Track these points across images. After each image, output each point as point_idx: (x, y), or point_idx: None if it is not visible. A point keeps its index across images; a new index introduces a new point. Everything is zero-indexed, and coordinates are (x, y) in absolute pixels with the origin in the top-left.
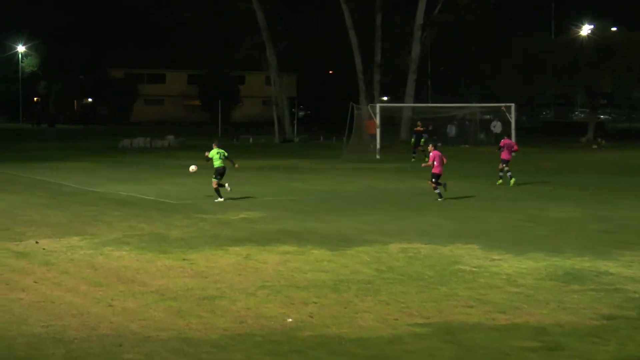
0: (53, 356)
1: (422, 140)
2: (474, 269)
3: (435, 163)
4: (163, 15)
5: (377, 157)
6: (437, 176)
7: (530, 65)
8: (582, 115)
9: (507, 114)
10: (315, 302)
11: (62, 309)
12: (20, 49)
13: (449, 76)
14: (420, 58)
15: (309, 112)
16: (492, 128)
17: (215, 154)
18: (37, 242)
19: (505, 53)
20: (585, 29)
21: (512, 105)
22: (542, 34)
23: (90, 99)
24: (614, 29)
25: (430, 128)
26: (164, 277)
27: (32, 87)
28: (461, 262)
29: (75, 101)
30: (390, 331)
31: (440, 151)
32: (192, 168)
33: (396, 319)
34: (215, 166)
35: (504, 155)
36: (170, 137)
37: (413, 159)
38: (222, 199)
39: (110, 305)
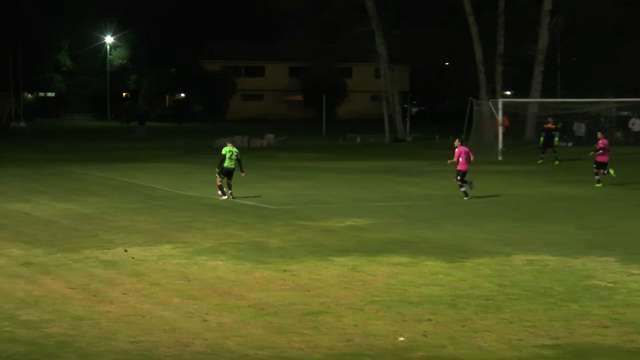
0: None
1: (556, 139)
2: (609, 285)
3: (460, 159)
4: (265, 1)
5: (499, 158)
6: (463, 173)
7: None
8: None
9: None
10: (430, 320)
11: (152, 324)
12: (109, 40)
13: (582, 68)
14: (548, 47)
15: (422, 108)
16: (630, 126)
17: (228, 152)
18: (126, 251)
19: None
20: None
21: None
22: None
23: (183, 94)
24: None
25: (559, 126)
26: (262, 290)
27: (120, 82)
28: (595, 276)
29: (167, 96)
30: (514, 353)
31: (467, 147)
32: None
33: (520, 340)
34: (224, 165)
35: None
36: (270, 136)
37: (541, 161)
38: (225, 197)
39: (205, 320)
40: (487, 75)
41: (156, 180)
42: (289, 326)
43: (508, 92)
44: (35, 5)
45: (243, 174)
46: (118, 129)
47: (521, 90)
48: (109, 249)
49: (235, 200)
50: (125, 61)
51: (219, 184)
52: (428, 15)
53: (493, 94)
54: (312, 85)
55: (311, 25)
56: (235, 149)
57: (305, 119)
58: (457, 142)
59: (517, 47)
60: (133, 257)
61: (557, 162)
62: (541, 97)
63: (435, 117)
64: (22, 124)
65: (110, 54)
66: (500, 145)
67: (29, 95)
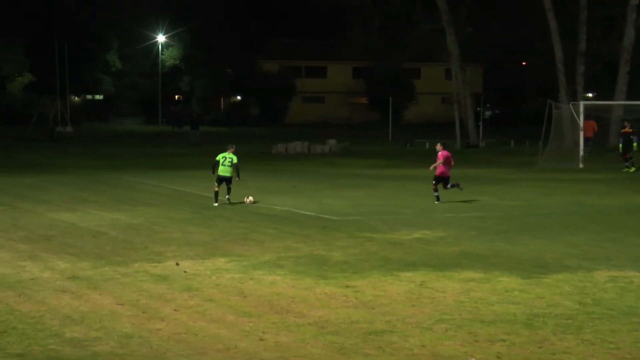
0: None
1: (634, 144)
2: None
3: (440, 164)
4: None
5: (580, 165)
6: (440, 179)
7: None
8: None
9: None
10: (504, 340)
11: (205, 343)
12: (161, 38)
13: None
14: (634, 45)
15: (497, 111)
16: None
17: (221, 158)
18: (177, 264)
19: None
20: None
21: None
22: None
23: (239, 97)
24: None
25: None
26: (323, 307)
27: (173, 83)
28: None
29: (221, 99)
30: None
31: (449, 152)
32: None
33: None
34: (218, 173)
35: None
36: (332, 142)
37: (625, 169)
38: (216, 204)
39: (262, 339)
40: (568, 75)
41: (210, 188)
42: (351, 346)
43: (590, 94)
44: (82, 2)
45: (238, 179)
46: (170, 134)
47: (605, 92)
48: (159, 262)
49: (296, 211)
50: (177, 61)
51: (216, 190)
52: (503, 11)
53: (574, 96)
54: (377, 87)
55: (376, 22)
56: (231, 156)
57: (369, 122)
58: (439, 146)
59: (600, 45)
60: (185, 271)
61: (632, 169)
62: (627, 100)
63: (510, 121)
64: (69, 129)
65: (162, 54)
66: (581, 152)
67: (76, 98)
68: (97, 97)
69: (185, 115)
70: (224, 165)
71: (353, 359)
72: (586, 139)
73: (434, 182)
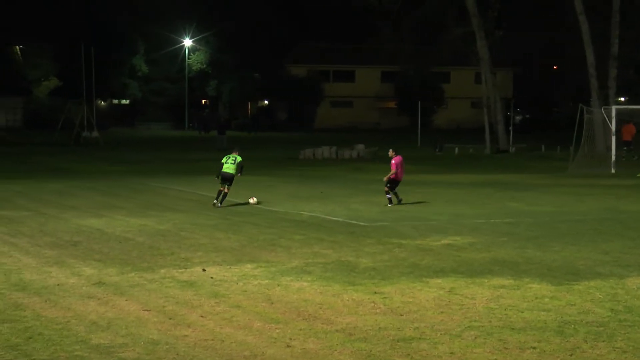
0: None
1: None
2: None
3: (398, 170)
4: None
5: (612, 171)
6: (396, 183)
7: None
8: None
9: None
10: (535, 348)
11: (232, 349)
12: (187, 43)
13: None
14: None
15: (527, 116)
16: None
17: (225, 158)
18: (204, 270)
19: None
20: None
21: None
22: None
23: (266, 102)
24: None
25: None
26: (351, 314)
27: (199, 88)
28: None
29: (249, 104)
30: None
31: (401, 157)
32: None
33: None
34: (221, 170)
35: None
36: (360, 147)
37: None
38: (216, 202)
39: (289, 346)
40: (600, 79)
41: (238, 194)
42: (380, 353)
43: (622, 99)
44: (108, 6)
45: (239, 175)
46: (196, 139)
47: (637, 96)
48: (186, 268)
49: (324, 217)
50: (204, 66)
51: (220, 189)
52: (534, 15)
53: (606, 101)
54: (406, 91)
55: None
56: (234, 156)
57: (398, 127)
58: (391, 152)
59: (633, 48)
60: (212, 277)
61: None
62: None
63: (541, 125)
64: (95, 134)
65: (188, 58)
66: (613, 157)
67: (102, 102)
68: (124, 102)
69: (212, 120)
70: (228, 163)
71: None
72: (626, 143)
73: (388, 185)
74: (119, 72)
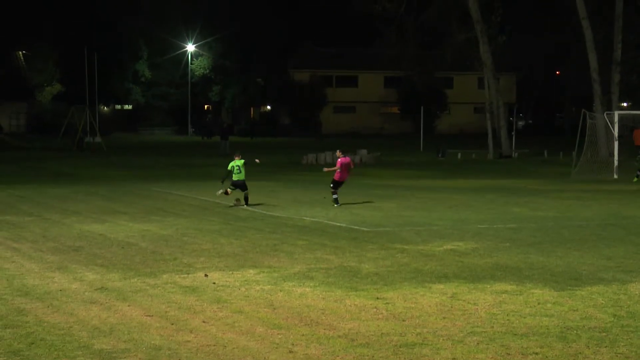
0: None
1: None
2: None
3: (340, 169)
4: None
5: (615, 176)
6: (339, 183)
7: None
8: None
9: None
10: (537, 353)
11: (235, 355)
12: (190, 48)
13: None
14: None
15: (530, 121)
16: None
17: (231, 167)
18: (206, 276)
19: None
20: None
21: None
22: None
23: (269, 107)
24: None
25: None
26: (354, 319)
27: (202, 93)
28: None
29: (252, 109)
30: None
31: (349, 158)
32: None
33: None
34: (233, 179)
35: None
36: (363, 152)
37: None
38: (221, 191)
39: (291, 352)
40: (603, 85)
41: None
42: (382, 359)
43: (625, 104)
44: (111, 11)
45: (257, 160)
46: (199, 144)
47: None
48: (188, 274)
49: (327, 222)
50: (207, 71)
51: (228, 191)
52: (538, 20)
53: (609, 106)
54: (409, 96)
55: (409, 30)
56: (239, 162)
57: (402, 133)
58: (339, 153)
59: (636, 54)
60: (214, 283)
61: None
62: None
63: (544, 131)
64: (98, 139)
65: (191, 63)
66: (615, 163)
67: (105, 108)
68: (127, 107)
69: (215, 126)
70: (236, 173)
71: None
72: (637, 148)
73: (332, 185)
74: (122, 77)
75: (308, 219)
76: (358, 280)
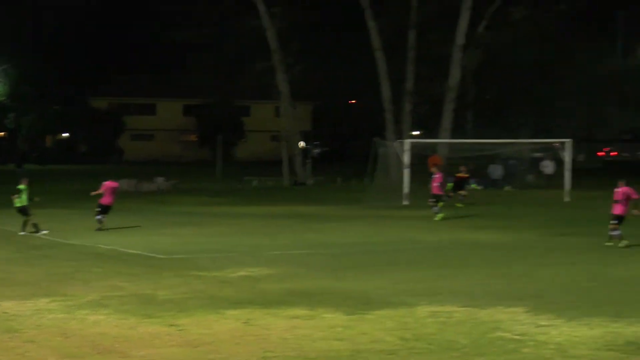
0: None
1: (473, 185)
2: (516, 337)
3: (104, 193)
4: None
5: (405, 202)
6: (105, 207)
7: (595, 93)
8: None
9: (561, 152)
10: None
11: None
12: None
13: (496, 107)
14: (460, 85)
15: (325, 149)
16: (542, 168)
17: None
18: None
19: (565, 78)
20: None
21: (568, 141)
22: (608, 57)
23: (66, 134)
24: None
25: (471, 168)
26: (147, 347)
27: None
28: (502, 328)
29: (47, 136)
30: None
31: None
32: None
33: None
34: (16, 205)
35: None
36: (160, 179)
37: (459, 204)
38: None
39: None
40: (395, 114)
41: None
42: None
43: (415, 133)
44: None
45: (36, 200)
46: None
47: (431, 129)
48: None
49: (123, 250)
50: (3, 97)
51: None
52: (334, 50)
53: (400, 134)
54: (207, 124)
55: (208, 59)
56: (22, 188)
57: (200, 160)
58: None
59: (427, 84)
60: (5, 312)
61: (459, 205)
62: (451, 138)
63: (338, 158)
64: None
65: None
66: (406, 189)
67: None
68: None
69: (9, 153)
70: (16, 199)
71: None
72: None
73: (99, 209)
74: None
75: (103, 246)
76: (153, 308)
